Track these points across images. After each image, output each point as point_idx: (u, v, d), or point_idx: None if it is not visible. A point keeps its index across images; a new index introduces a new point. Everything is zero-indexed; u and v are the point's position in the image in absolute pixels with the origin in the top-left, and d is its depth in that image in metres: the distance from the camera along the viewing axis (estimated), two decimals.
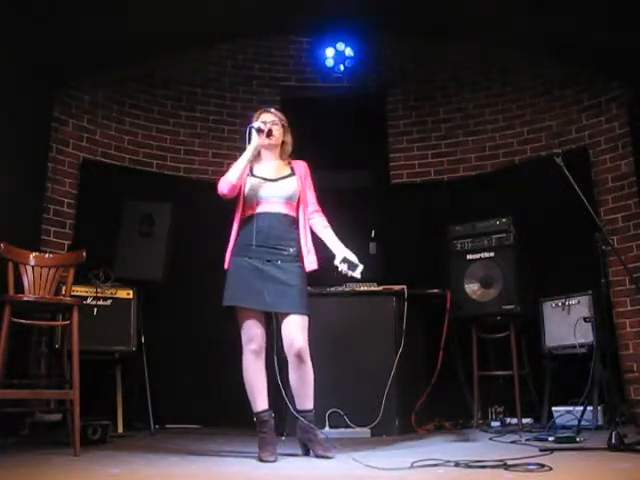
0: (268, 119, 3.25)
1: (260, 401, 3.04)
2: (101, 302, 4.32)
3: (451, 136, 5.85)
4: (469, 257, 4.79)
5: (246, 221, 3.13)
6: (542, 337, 4.59)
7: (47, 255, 3.73)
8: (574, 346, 4.29)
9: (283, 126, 3.28)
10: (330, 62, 5.84)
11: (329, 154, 5.36)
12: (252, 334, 3.03)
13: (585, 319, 4.28)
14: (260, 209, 3.12)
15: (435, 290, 4.73)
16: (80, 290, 4.22)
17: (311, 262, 3.13)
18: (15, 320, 3.17)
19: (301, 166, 3.29)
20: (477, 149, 5.75)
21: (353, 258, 3.13)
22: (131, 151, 5.45)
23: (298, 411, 3.08)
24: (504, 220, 4.75)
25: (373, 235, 4.73)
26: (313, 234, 3.22)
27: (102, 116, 5.36)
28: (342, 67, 5.83)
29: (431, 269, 5.03)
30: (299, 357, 3.03)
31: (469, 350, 4.74)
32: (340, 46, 5.81)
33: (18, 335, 3.72)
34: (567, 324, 4.40)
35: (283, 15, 5.43)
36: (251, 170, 3.22)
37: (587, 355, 4.17)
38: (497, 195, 5.26)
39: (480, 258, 4.75)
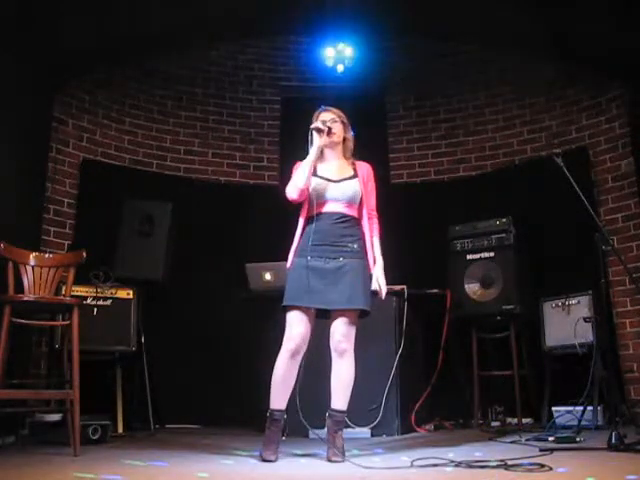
0: (327, 117, 3.20)
1: (279, 400, 3.01)
2: (101, 302, 4.32)
3: (451, 136, 5.85)
4: (469, 257, 4.80)
5: (308, 221, 3.13)
6: (542, 337, 4.59)
7: (47, 255, 3.72)
8: (574, 346, 4.29)
9: (343, 122, 3.24)
10: (330, 62, 5.83)
11: None
12: (293, 333, 2.99)
13: (585, 319, 4.28)
14: (322, 209, 3.10)
15: (435, 290, 4.73)
16: (80, 290, 4.21)
17: (371, 264, 3.11)
18: (15, 320, 3.16)
19: (365, 169, 3.25)
20: (477, 149, 5.75)
21: (382, 284, 3.12)
22: (131, 151, 5.46)
23: (330, 408, 3.06)
24: (504, 220, 4.75)
25: None
26: None
27: (102, 116, 5.36)
28: (342, 67, 5.82)
29: (431, 269, 5.03)
30: (337, 352, 3.03)
31: (469, 350, 4.75)
32: (340, 46, 5.80)
33: (18, 335, 3.71)
34: (567, 324, 4.40)
35: (283, 15, 5.43)
36: (315, 170, 3.19)
37: (587, 355, 4.17)
38: (497, 195, 5.26)
39: (480, 258, 4.75)
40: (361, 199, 3.16)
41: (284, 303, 3.02)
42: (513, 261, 4.63)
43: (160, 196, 4.84)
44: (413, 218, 5.39)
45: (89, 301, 4.26)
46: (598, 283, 3.60)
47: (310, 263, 3.02)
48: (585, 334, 4.28)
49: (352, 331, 3.04)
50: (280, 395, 3.01)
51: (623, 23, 4.32)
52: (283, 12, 5.35)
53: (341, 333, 3.02)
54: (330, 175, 3.15)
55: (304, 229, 3.13)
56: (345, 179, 3.16)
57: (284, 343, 3.01)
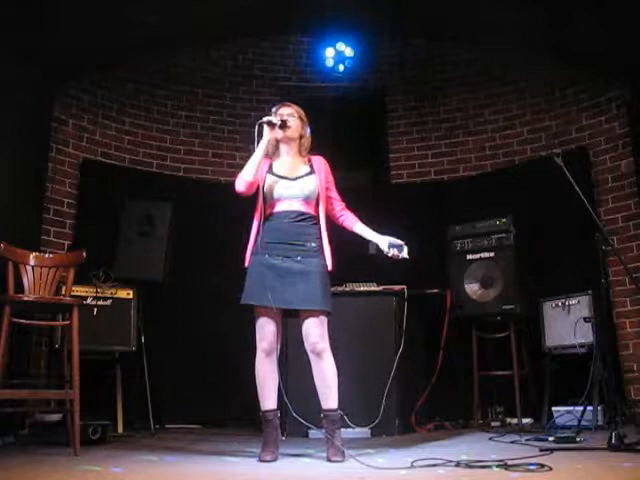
0: (285, 112, 3.18)
1: (267, 400, 3.03)
2: (101, 302, 4.32)
3: (451, 136, 5.85)
4: (469, 257, 4.79)
5: (265, 219, 3.11)
6: (542, 337, 4.59)
7: (47, 255, 3.72)
8: (574, 346, 4.30)
9: (300, 119, 3.20)
10: (330, 62, 5.84)
11: (329, 154, 5.35)
12: (264, 332, 3.01)
13: (585, 319, 4.28)
14: (279, 208, 3.09)
15: (435, 290, 4.73)
16: (80, 290, 4.22)
17: (328, 262, 3.08)
18: (15, 320, 3.16)
19: (321, 163, 3.22)
20: (477, 149, 5.75)
21: (397, 240, 3.11)
22: (131, 151, 5.45)
23: (322, 409, 3.05)
24: (504, 220, 4.75)
25: None
26: (334, 231, 3.19)
27: (102, 116, 5.36)
28: (342, 67, 5.83)
29: (431, 269, 5.03)
30: (315, 353, 3.01)
31: (469, 350, 4.75)
32: (340, 46, 5.80)
33: (18, 335, 3.72)
34: (567, 324, 4.40)
35: (283, 15, 5.43)
36: (270, 167, 3.17)
37: (587, 355, 4.17)
38: (497, 195, 5.25)
39: (480, 258, 4.75)
40: (318, 196, 3.13)
41: (242, 301, 3.02)
42: (513, 261, 4.63)
43: (160, 196, 4.84)
44: (413, 218, 5.38)
45: (89, 301, 4.26)
46: (598, 283, 3.60)
47: (268, 261, 3.01)
48: (585, 334, 4.28)
49: (325, 329, 3.02)
50: (267, 395, 3.02)
51: (623, 23, 4.32)
52: (283, 12, 5.36)
53: (316, 334, 2.99)
54: (286, 172, 3.13)
55: (259, 227, 3.10)
56: (302, 176, 3.13)
57: (258, 343, 3.03)
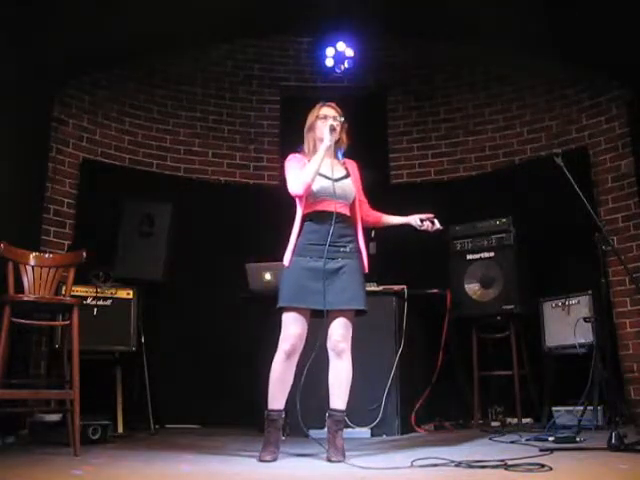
0: (330, 113, 3.17)
1: (276, 400, 3.01)
2: (101, 302, 4.32)
3: (451, 136, 5.85)
4: (469, 257, 4.80)
5: (308, 220, 3.10)
6: (542, 337, 4.59)
7: (47, 255, 3.72)
8: (574, 346, 4.30)
9: (341, 123, 3.20)
10: (330, 62, 5.83)
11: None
12: (289, 334, 2.98)
13: (585, 319, 4.28)
14: (322, 208, 3.08)
15: (435, 290, 4.73)
16: (80, 290, 4.22)
17: (365, 264, 3.13)
18: (15, 320, 3.16)
19: (354, 167, 3.28)
20: (477, 149, 5.75)
21: (427, 215, 3.26)
22: (131, 151, 5.45)
23: (329, 408, 3.05)
24: (504, 220, 4.75)
25: (373, 235, 4.73)
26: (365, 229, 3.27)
27: (102, 116, 5.36)
28: (342, 67, 5.82)
29: (431, 269, 5.03)
30: (335, 352, 3.03)
31: (469, 350, 4.75)
32: (340, 46, 5.79)
33: (18, 335, 3.71)
34: (567, 324, 4.40)
35: (283, 15, 5.43)
36: None
37: (587, 355, 4.18)
38: (497, 195, 5.26)
39: (480, 258, 4.76)
40: (354, 199, 3.17)
41: (281, 304, 2.99)
42: (513, 261, 4.63)
43: (160, 196, 4.85)
44: None
45: (89, 301, 4.26)
46: (598, 283, 3.60)
47: (310, 264, 3.01)
48: (585, 334, 4.28)
49: (350, 331, 3.05)
50: (277, 395, 3.01)
51: (623, 23, 4.32)
52: (283, 12, 5.35)
53: (340, 334, 3.02)
54: (329, 173, 3.12)
55: (302, 227, 3.10)
56: (341, 178, 3.15)
57: (280, 343, 3.00)
